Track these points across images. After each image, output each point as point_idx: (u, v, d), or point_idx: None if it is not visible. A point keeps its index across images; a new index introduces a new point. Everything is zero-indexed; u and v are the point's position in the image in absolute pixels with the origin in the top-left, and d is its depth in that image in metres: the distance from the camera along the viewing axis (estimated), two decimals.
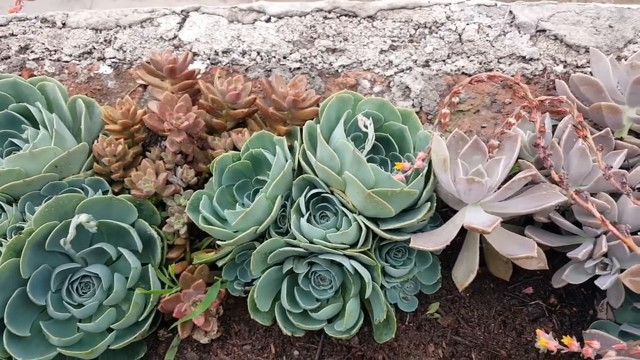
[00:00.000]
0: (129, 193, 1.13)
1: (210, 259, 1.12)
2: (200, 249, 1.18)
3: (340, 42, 1.28)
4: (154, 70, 1.19)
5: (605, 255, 0.94)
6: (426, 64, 1.23)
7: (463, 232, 1.02)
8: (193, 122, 1.09)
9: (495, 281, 1.12)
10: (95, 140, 1.16)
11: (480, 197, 0.92)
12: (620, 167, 0.96)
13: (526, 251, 0.87)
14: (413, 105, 1.21)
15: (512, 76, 1.16)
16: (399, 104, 1.22)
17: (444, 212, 1.12)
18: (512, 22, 1.22)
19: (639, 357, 0.83)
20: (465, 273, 1.01)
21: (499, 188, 0.95)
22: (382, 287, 1.05)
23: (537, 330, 0.86)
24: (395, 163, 0.98)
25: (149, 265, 1.11)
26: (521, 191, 1.00)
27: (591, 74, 1.13)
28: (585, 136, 0.86)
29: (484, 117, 1.17)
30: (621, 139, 1.03)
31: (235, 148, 1.15)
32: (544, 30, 1.20)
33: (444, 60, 1.22)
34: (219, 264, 1.11)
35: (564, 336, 0.82)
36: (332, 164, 0.99)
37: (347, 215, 0.99)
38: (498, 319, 1.11)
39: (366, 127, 1.02)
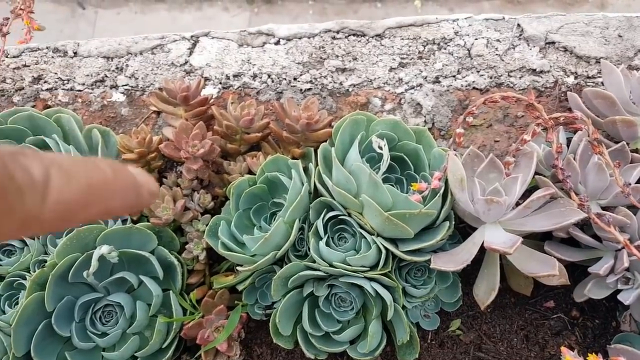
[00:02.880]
0: (148, 221, 1.14)
1: (230, 283, 1.12)
2: (219, 272, 1.19)
3: (350, 61, 1.29)
4: (168, 98, 1.20)
5: (627, 269, 0.94)
6: (436, 80, 1.23)
7: (482, 248, 1.02)
8: (209, 149, 1.10)
9: (516, 296, 1.12)
10: None
11: (499, 216, 0.93)
12: (638, 181, 0.96)
13: (548, 270, 0.87)
14: (425, 122, 1.22)
15: (525, 94, 1.17)
16: (411, 121, 1.22)
17: (461, 227, 1.12)
18: (520, 35, 1.23)
19: None
20: (486, 291, 1.01)
21: (517, 205, 0.95)
22: (403, 307, 1.06)
23: (562, 348, 0.86)
24: (412, 184, 0.99)
25: (170, 291, 1.12)
26: (539, 207, 1.00)
27: (602, 84, 1.13)
28: (602, 152, 0.86)
29: (497, 131, 1.18)
30: (636, 150, 1.02)
31: (250, 172, 1.16)
32: (553, 42, 1.21)
33: (454, 76, 1.23)
34: (239, 287, 1.12)
35: (589, 354, 0.82)
36: (349, 187, 1.00)
37: (365, 237, 0.99)
38: (520, 333, 1.10)
39: (381, 148, 1.03)
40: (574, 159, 0.98)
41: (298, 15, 3.87)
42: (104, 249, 1.02)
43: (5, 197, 0.17)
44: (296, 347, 1.08)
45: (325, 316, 1.06)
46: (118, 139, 1.23)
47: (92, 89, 1.44)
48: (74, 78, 1.46)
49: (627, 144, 1.04)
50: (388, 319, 1.00)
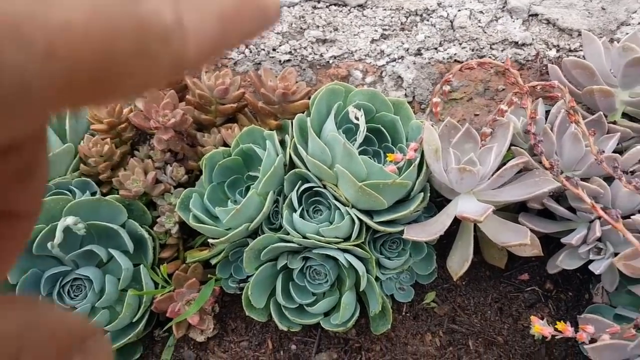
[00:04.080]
0: (118, 194, 1.12)
1: (204, 257, 1.11)
2: (194, 247, 1.17)
3: (331, 32, 1.26)
4: None
5: (600, 239, 0.93)
6: (418, 53, 1.21)
7: (458, 221, 1.01)
8: (180, 119, 1.07)
9: (491, 269, 1.12)
10: (82, 141, 1.14)
11: (472, 186, 0.91)
12: (614, 151, 0.95)
13: (519, 238, 0.87)
14: (406, 95, 1.20)
15: (503, 62, 1.15)
16: (392, 94, 1.20)
17: (438, 201, 1.11)
18: (504, 7, 1.21)
19: (632, 340, 0.82)
20: (459, 262, 1.00)
21: (491, 176, 0.94)
22: (377, 279, 1.05)
23: (532, 317, 0.85)
24: (388, 154, 0.97)
25: (141, 265, 1.09)
26: (514, 178, 0.99)
27: (584, 57, 1.12)
28: (578, 121, 0.85)
29: (477, 105, 1.16)
30: (614, 122, 1.01)
31: (225, 144, 1.14)
32: (536, 15, 1.19)
33: (435, 48, 1.20)
34: (213, 262, 1.10)
35: (557, 322, 0.82)
36: (324, 158, 0.98)
37: (339, 209, 0.98)
38: (494, 306, 1.10)
39: (357, 119, 1.01)
40: (552, 129, 0.97)
41: None
42: (69, 220, 1.00)
43: (149, 45, 0.16)
44: (270, 320, 1.06)
45: (300, 289, 1.05)
46: (87, 109, 1.19)
47: None
48: None
49: (605, 115, 1.03)
50: (361, 290, 0.99)
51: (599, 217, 0.92)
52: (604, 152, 0.83)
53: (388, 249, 1.05)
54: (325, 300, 1.02)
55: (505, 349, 1.07)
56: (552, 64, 1.14)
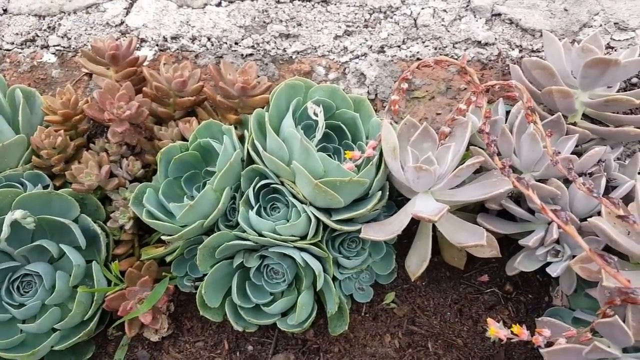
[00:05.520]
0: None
1: (159, 254, 1.07)
2: (150, 244, 1.13)
3: (294, 27, 1.24)
4: (96, 57, 1.13)
5: (557, 242, 0.93)
6: (381, 50, 1.20)
7: (418, 220, 1.00)
8: (135, 112, 1.04)
9: (451, 270, 1.11)
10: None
11: (429, 185, 0.90)
12: (573, 153, 0.95)
13: (475, 239, 0.85)
14: (368, 92, 1.18)
15: (468, 66, 1.14)
16: (354, 91, 1.19)
17: (399, 200, 1.09)
18: (467, 5, 1.20)
19: (588, 344, 0.82)
20: (417, 262, 0.99)
21: (449, 175, 0.92)
22: (335, 278, 1.03)
23: (488, 320, 0.84)
24: (346, 152, 0.95)
25: (94, 262, 1.06)
26: (473, 179, 0.98)
27: (545, 58, 1.12)
28: (535, 121, 0.84)
29: (439, 104, 1.15)
30: (574, 123, 1.01)
31: (183, 138, 1.11)
32: (499, 14, 1.18)
33: (399, 46, 1.19)
34: (168, 259, 1.07)
35: (514, 325, 0.81)
36: (281, 154, 0.95)
37: (296, 207, 0.96)
38: (454, 307, 1.09)
39: (316, 115, 0.99)
40: (512, 130, 0.96)
41: None
42: (17, 214, 0.96)
43: None
44: (226, 319, 1.04)
45: (257, 288, 1.02)
46: (43, 100, 1.15)
47: (22, 48, 1.35)
48: (3, 37, 1.37)
49: (566, 117, 1.03)
50: (318, 289, 0.97)
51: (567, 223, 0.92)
52: (559, 153, 0.83)
53: (347, 248, 1.03)
54: (283, 300, 1.00)
55: (464, 352, 1.07)
56: (515, 64, 1.13)
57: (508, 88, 0.85)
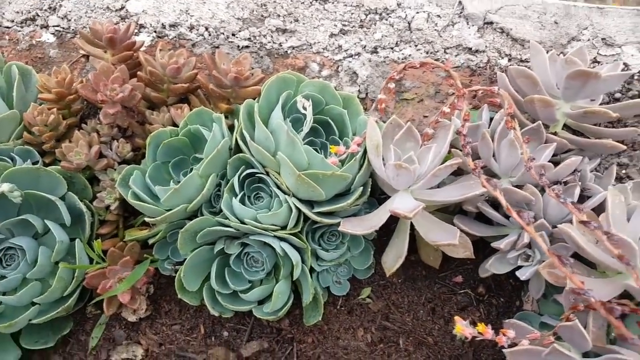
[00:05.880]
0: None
1: (142, 236, 1.09)
2: (135, 226, 1.15)
3: (291, 22, 1.26)
4: (94, 39, 1.15)
5: (529, 246, 0.95)
6: (374, 51, 1.22)
7: (398, 219, 1.02)
8: (128, 95, 1.06)
9: (427, 269, 1.13)
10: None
11: (409, 183, 0.92)
12: (552, 161, 0.98)
13: (448, 238, 0.88)
14: (359, 91, 1.20)
15: (459, 72, 1.17)
16: (346, 89, 1.21)
17: (382, 198, 1.11)
18: (461, 12, 1.23)
19: (547, 347, 0.84)
20: (394, 258, 1.01)
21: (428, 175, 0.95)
22: (313, 269, 1.05)
23: (456, 317, 0.86)
24: (331, 146, 0.97)
25: (77, 240, 1.08)
26: (453, 180, 1.01)
27: (531, 68, 1.14)
28: (514, 128, 0.87)
29: (427, 107, 1.17)
30: (555, 133, 1.04)
31: (174, 124, 1.13)
32: (491, 23, 1.21)
33: (392, 48, 1.22)
34: (151, 241, 1.09)
35: (479, 324, 0.83)
36: (267, 145, 0.98)
37: (279, 197, 0.98)
38: (427, 306, 1.12)
39: (305, 109, 1.01)
40: (494, 135, 0.99)
41: None
42: (4, 187, 0.97)
43: None
44: (203, 304, 1.06)
45: (235, 275, 1.05)
46: (38, 78, 1.17)
47: (22, 27, 1.36)
48: (3, 14, 1.38)
49: (548, 126, 1.06)
50: (294, 279, 1.00)
51: (529, 223, 0.94)
52: (534, 159, 0.85)
53: (326, 241, 1.06)
54: (261, 287, 1.02)
55: (434, 350, 1.09)
56: (503, 72, 1.16)
57: (491, 94, 0.88)
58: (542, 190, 0.96)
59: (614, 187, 0.98)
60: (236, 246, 1.03)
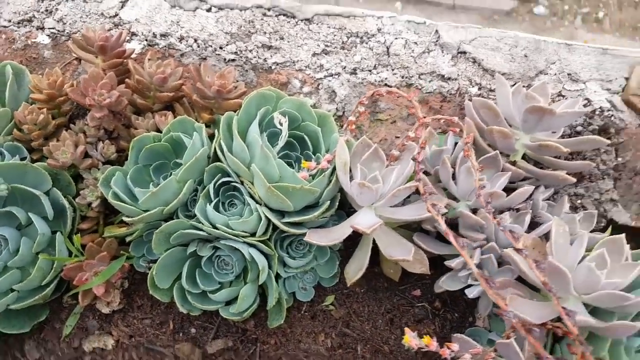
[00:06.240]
0: None
1: (120, 234, 1.15)
2: (114, 224, 1.21)
3: (277, 40, 1.33)
4: (85, 45, 1.21)
5: (479, 267, 1.02)
6: (353, 72, 1.29)
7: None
8: (115, 100, 1.12)
9: (389, 281, 1.20)
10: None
11: (371, 201, 0.99)
12: (510, 188, 1.05)
13: (403, 254, 0.95)
14: (337, 109, 1.27)
15: (431, 97, 1.24)
16: (325, 107, 1.28)
17: (351, 212, 1.17)
18: (437, 41, 1.30)
19: None
20: (355, 269, 1.07)
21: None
22: (279, 275, 1.11)
23: (406, 328, 0.93)
24: (303, 162, 1.04)
25: (58, 233, 1.13)
26: (416, 200, 1.08)
27: (496, 98, 1.21)
28: (470, 156, 0.94)
29: (399, 128, 1.24)
30: (514, 162, 1.11)
31: (158, 130, 1.19)
32: (464, 52, 1.28)
33: (370, 70, 1.29)
34: (128, 239, 1.15)
35: (424, 336, 0.90)
36: (243, 157, 1.04)
37: (250, 205, 1.04)
38: (386, 316, 1.18)
39: (281, 124, 1.08)
40: (456, 161, 1.06)
41: None
42: None
43: None
44: (173, 301, 1.11)
45: (206, 276, 1.11)
46: (31, 78, 1.22)
47: (19, 27, 1.42)
48: (1, 14, 1.44)
49: (508, 155, 1.13)
50: (260, 283, 1.06)
51: (481, 246, 1.01)
52: (484, 187, 0.92)
53: (294, 249, 1.12)
54: (229, 289, 1.08)
55: (389, 358, 1.15)
56: (471, 100, 1.23)
57: (450, 122, 0.95)
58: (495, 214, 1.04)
59: (564, 216, 1.06)
60: (208, 249, 1.09)
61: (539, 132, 1.09)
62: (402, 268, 1.13)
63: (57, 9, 1.41)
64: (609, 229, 1.13)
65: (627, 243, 1.01)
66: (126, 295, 1.19)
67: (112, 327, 1.18)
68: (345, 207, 1.17)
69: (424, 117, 0.95)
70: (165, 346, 1.17)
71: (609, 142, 1.06)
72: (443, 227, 0.83)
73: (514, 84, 1.16)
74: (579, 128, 1.23)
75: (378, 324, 1.17)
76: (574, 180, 1.06)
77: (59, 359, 1.19)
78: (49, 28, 1.40)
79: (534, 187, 1.03)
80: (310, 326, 1.18)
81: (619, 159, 1.23)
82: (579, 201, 1.21)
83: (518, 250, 0.82)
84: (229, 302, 1.12)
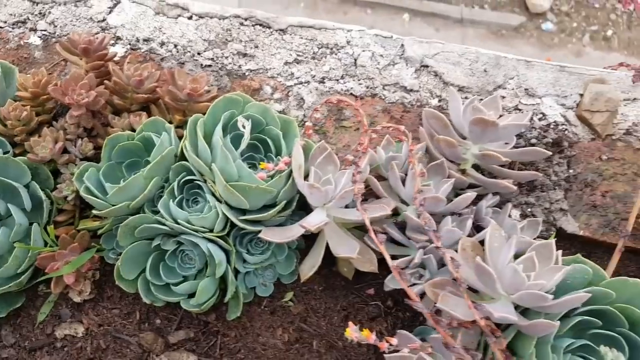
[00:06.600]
0: None
1: (92, 227, 1.22)
2: (89, 217, 1.28)
3: (252, 48, 1.40)
4: (70, 48, 1.29)
5: (422, 266, 1.08)
6: (322, 81, 1.36)
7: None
8: (93, 100, 1.20)
9: (346, 280, 1.26)
10: None
11: (322, 201, 1.06)
12: (456, 195, 1.11)
13: (348, 252, 1.01)
14: (304, 116, 1.34)
15: (394, 107, 1.30)
16: (293, 113, 1.35)
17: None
18: (402, 54, 1.37)
19: (429, 355, 0.97)
20: (309, 266, 1.14)
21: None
22: (238, 271, 1.18)
23: (349, 322, 0.99)
24: (261, 163, 1.11)
25: (35, 224, 1.21)
26: (368, 202, 1.14)
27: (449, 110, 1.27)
28: (413, 163, 1.00)
29: (374, 138, 1.30)
30: (464, 170, 1.17)
31: (133, 130, 1.26)
32: (427, 66, 1.35)
33: (337, 80, 1.36)
34: (100, 232, 1.22)
35: (363, 329, 0.96)
36: (205, 156, 1.11)
37: (209, 203, 1.11)
38: (342, 313, 1.24)
39: (244, 127, 1.15)
40: (408, 167, 1.12)
41: (289, 5, 3.85)
42: None
43: None
44: (139, 292, 1.18)
45: (169, 269, 1.17)
46: (19, 77, 1.31)
47: (13, 28, 1.51)
48: None
49: (459, 164, 1.19)
50: (216, 277, 1.12)
51: (424, 247, 1.08)
52: (422, 191, 0.99)
53: (254, 246, 1.19)
54: (190, 282, 1.15)
55: (342, 353, 1.21)
56: None
57: (397, 131, 1.02)
58: (442, 218, 1.10)
59: (507, 222, 1.11)
60: (172, 243, 1.16)
61: (487, 142, 1.15)
62: (355, 267, 1.19)
63: (49, 12, 1.50)
64: (552, 236, 1.19)
65: (578, 252, 1.08)
66: (97, 285, 1.26)
67: (83, 315, 1.25)
68: (307, 209, 1.23)
69: (367, 125, 1.01)
70: (131, 335, 1.23)
71: (549, 153, 1.12)
72: (367, 225, 0.90)
73: (473, 97, 1.22)
74: (534, 140, 1.29)
75: (334, 320, 1.23)
76: (515, 188, 1.12)
77: (33, 344, 1.26)
78: (41, 30, 1.49)
79: (476, 193, 1.09)
80: (269, 321, 1.24)
81: (571, 171, 1.29)
82: (529, 210, 1.26)
83: (437, 248, 0.88)
84: (191, 295, 1.18)
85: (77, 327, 1.26)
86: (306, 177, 1.10)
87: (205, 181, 1.15)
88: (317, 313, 1.24)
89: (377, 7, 3.82)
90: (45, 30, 1.49)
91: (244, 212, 1.15)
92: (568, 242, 1.30)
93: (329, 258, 1.22)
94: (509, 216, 1.11)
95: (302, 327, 1.23)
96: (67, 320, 1.27)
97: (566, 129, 1.30)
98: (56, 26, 1.49)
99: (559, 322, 0.89)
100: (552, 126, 1.31)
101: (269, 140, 1.20)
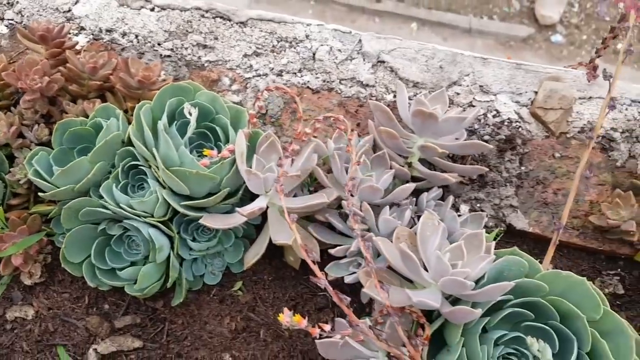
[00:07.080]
0: None
1: (43, 210, 1.24)
2: (45, 202, 1.30)
3: (211, 40, 1.42)
4: (29, 35, 1.31)
5: (360, 255, 1.08)
6: (280, 74, 1.37)
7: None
8: (46, 85, 1.21)
9: (296, 271, 1.26)
10: None
11: (261, 189, 1.06)
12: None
13: (284, 239, 1.01)
14: (261, 107, 1.35)
15: (349, 101, 1.31)
16: (250, 104, 1.36)
17: None
18: (360, 49, 1.38)
19: (358, 342, 0.97)
20: (253, 254, 1.14)
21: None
22: (182, 258, 1.18)
23: (284, 309, 0.99)
24: (204, 150, 1.12)
25: None
26: (315, 191, 1.15)
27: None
28: (350, 151, 1.01)
29: (318, 128, 1.31)
30: (410, 163, 1.18)
31: (87, 116, 1.27)
32: (383, 62, 1.36)
33: (295, 73, 1.37)
34: (50, 216, 1.24)
35: (295, 314, 0.96)
36: (149, 142, 1.12)
37: (151, 187, 1.12)
38: (290, 303, 1.24)
39: (190, 114, 1.16)
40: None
41: (296, 13, 3.87)
42: None
43: None
44: None
45: (115, 254, 1.18)
46: None
47: None
48: None
49: (406, 157, 1.20)
50: (157, 262, 1.13)
51: (363, 236, 1.08)
52: (354, 178, 0.99)
53: (200, 233, 1.19)
54: (134, 267, 1.15)
55: (288, 343, 1.22)
56: (388, 106, 1.30)
57: (336, 120, 1.02)
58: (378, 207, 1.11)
59: (448, 214, 1.12)
60: (117, 228, 1.17)
61: (432, 136, 1.15)
62: (300, 258, 1.19)
63: (17, 2, 1.52)
64: (495, 230, 1.19)
65: (530, 249, 1.09)
66: (49, 269, 1.27)
67: (33, 298, 1.26)
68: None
69: (302, 113, 1.02)
70: (79, 319, 1.24)
71: (491, 147, 1.12)
72: (287, 218, 0.90)
73: (427, 92, 1.23)
74: (487, 137, 1.29)
75: (281, 310, 1.23)
76: (453, 181, 1.12)
77: None
78: (7, 19, 1.51)
79: (415, 185, 1.09)
80: (217, 309, 1.25)
81: (523, 168, 1.29)
82: (478, 205, 1.27)
83: (358, 235, 0.88)
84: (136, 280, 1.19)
85: (28, 310, 1.26)
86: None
87: (150, 167, 1.16)
88: (266, 303, 1.25)
89: (385, 16, 3.80)
90: (12, 20, 1.51)
91: (188, 198, 1.16)
92: (520, 239, 1.30)
93: (281, 248, 1.23)
94: (456, 209, 1.11)
95: (250, 316, 1.24)
96: (18, 302, 1.28)
97: (520, 126, 1.31)
98: (23, 16, 1.51)
99: (480, 310, 0.89)
100: (505, 123, 1.31)
101: (218, 129, 1.21)
